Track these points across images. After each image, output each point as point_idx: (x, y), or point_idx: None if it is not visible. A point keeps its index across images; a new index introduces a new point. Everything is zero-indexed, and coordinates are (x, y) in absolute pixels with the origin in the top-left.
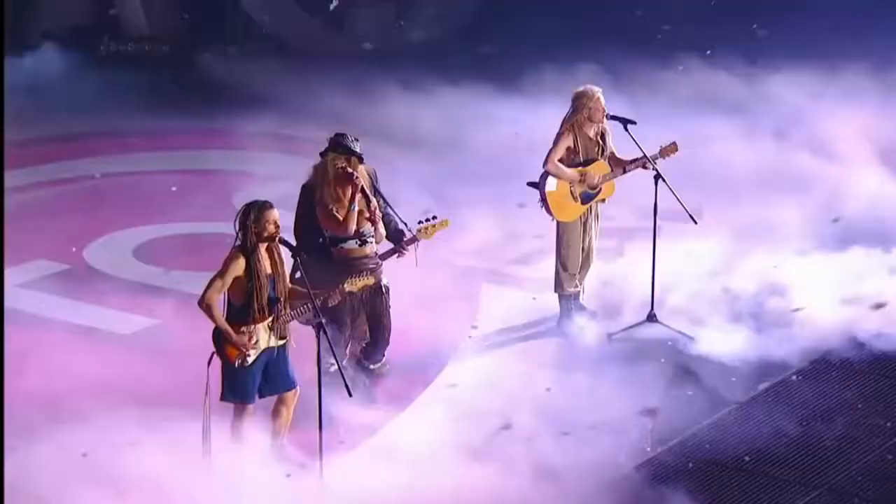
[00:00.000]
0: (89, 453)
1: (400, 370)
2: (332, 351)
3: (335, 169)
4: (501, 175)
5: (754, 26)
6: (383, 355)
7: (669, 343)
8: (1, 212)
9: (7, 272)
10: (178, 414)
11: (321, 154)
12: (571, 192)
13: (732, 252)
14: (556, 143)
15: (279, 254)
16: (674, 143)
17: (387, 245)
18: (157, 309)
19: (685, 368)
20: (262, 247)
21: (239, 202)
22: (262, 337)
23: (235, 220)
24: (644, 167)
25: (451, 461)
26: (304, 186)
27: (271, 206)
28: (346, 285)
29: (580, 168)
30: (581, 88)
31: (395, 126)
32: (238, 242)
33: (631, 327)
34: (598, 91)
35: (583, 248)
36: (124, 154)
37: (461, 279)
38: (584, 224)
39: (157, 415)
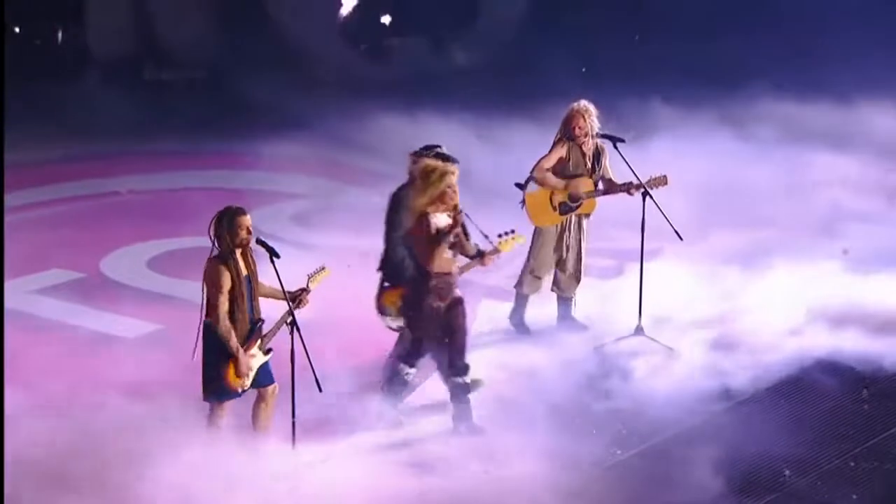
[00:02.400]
0: (89, 434)
1: None
2: (407, 360)
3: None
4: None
5: None
6: (466, 365)
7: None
8: (1, 217)
9: (24, 279)
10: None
11: (434, 171)
12: (551, 200)
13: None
14: (549, 152)
15: (251, 255)
16: (664, 176)
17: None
18: (161, 315)
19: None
20: (238, 253)
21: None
22: (258, 359)
23: (210, 229)
24: (629, 193)
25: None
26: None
27: (244, 213)
28: (308, 283)
29: (567, 180)
30: (572, 104)
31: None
32: (216, 252)
33: (617, 340)
34: (583, 107)
35: (560, 260)
36: (153, 173)
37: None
38: (561, 235)
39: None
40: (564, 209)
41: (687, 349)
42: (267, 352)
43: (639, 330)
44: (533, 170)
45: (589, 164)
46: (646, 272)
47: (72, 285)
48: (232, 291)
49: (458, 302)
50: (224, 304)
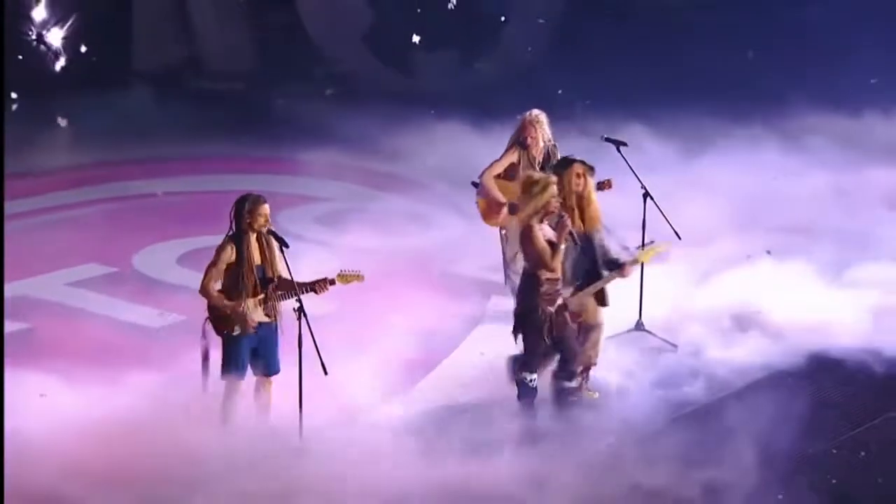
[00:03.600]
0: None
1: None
2: (527, 367)
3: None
4: None
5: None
6: (573, 371)
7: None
8: (1, 219)
9: (62, 272)
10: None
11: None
12: (504, 207)
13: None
14: (501, 157)
15: (269, 244)
16: (608, 180)
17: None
18: (186, 307)
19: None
20: (252, 236)
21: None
22: (252, 310)
23: (231, 211)
24: None
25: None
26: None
27: (264, 201)
28: (336, 277)
29: (516, 183)
30: (525, 114)
31: (451, 164)
32: (231, 232)
33: (618, 335)
34: (534, 117)
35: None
36: (189, 176)
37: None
38: None
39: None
40: (512, 210)
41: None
42: (268, 315)
43: (639, 325)
44: (481, 174)
45: (537, 170)
46: (657, 272)
47: (106, 278)
48: (234, 270)
49: (564, 308)
50: (212, 273)
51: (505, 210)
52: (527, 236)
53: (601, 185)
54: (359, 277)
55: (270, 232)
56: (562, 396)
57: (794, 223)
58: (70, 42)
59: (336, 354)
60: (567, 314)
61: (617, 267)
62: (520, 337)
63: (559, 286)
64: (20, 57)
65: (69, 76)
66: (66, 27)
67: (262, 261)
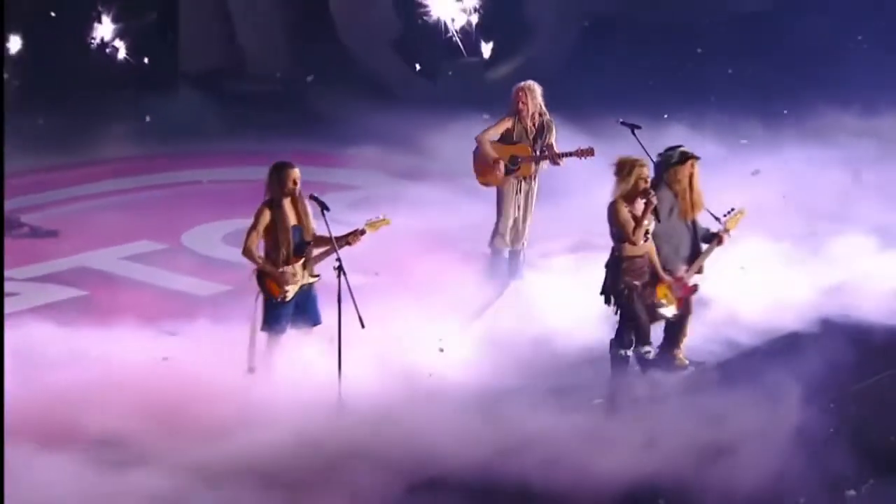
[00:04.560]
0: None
1: None
2: (641, 341)
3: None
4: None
5: None
6: (648, 341)
7: None
8: (1, 213)
9: (117, 248)
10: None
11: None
12: (496, 162)
13: None
14: (497, 123)
15: (303, 206)
16: (591, 148)
17: None
18: (231, 278)
19: None
20: (287, 200)
21: None
22: (299, 273)
23: (266, 179)
24: (554, 163)
25: None
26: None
27: (293, 166)
28: (366, 226)
29: (510, 146)
30: (519, 83)
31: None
32: (266, 197)
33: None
34: (528, 86)
35: (515, 219)
36: (231, 167)
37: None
38: (514, 197)
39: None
40: (506, 170)
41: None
42: (313, 275)
43: None
44: (479, 135)
45: (531, 137)
46: None
47: (157, 254)
48: (272, 232)
49: (648, 284)
50: (253, 237)
51: (500, 168)
52: (611, 211)
53: (581, 153)
54: (386, 222)
55: (313, 197)
56: (644, 363)
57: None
58: (129, 49)
59: (373, 315)
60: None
61: (714, 237)
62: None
63: (645, 262)
64: (88, 61)
65: (127, 78)
66: (124, 36)
67: (298, 222)
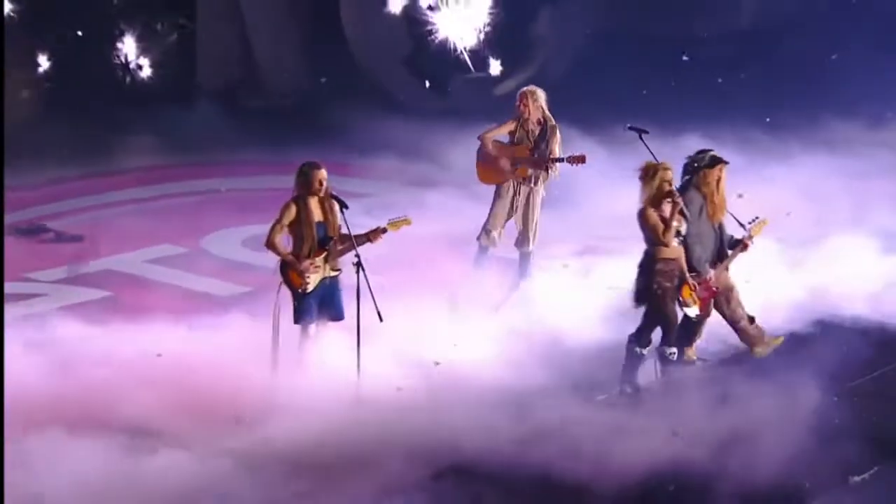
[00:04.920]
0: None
1: None
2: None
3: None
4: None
5: None
6: (672, 342)
7: None
8: (1, 214)
9: (140, 251)
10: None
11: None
12: (498, 162)
13: None
14: (500, 125)
15: (330, 205)
16: (582, 155)
17: None
18: (250, 280)
19: None
20: (313, 199)
21: None
22: (321, 266)
23: (294, 177)
24: (546, 169)
25: None
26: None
27: (319, 167)
28: (388, 225)
29: (512, 147)
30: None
31: None
32: (294, 194)
33: None
34: (530, 90)
35: (511, 218)
36: (248, 177)
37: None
38: (513, 199)
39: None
40: (514, 163)
41: None
42: (334, 269)
43: None
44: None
45: (531, 140)
46: None
47: (178, 257)
48: (297, 227)
49: (677, 285)
50: (276, 230)
51: (505, 164)
52: (640, 216)
53: (573, 159)
54: (407, 221)
55: (331, 195)
56: (664, 362)
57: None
58: (151, 65)
59: (392, 309)
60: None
61: (739, 243)
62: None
63: (676, 265)
64: (113, 77)
65: (150, 93)
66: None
67: (323, 219)
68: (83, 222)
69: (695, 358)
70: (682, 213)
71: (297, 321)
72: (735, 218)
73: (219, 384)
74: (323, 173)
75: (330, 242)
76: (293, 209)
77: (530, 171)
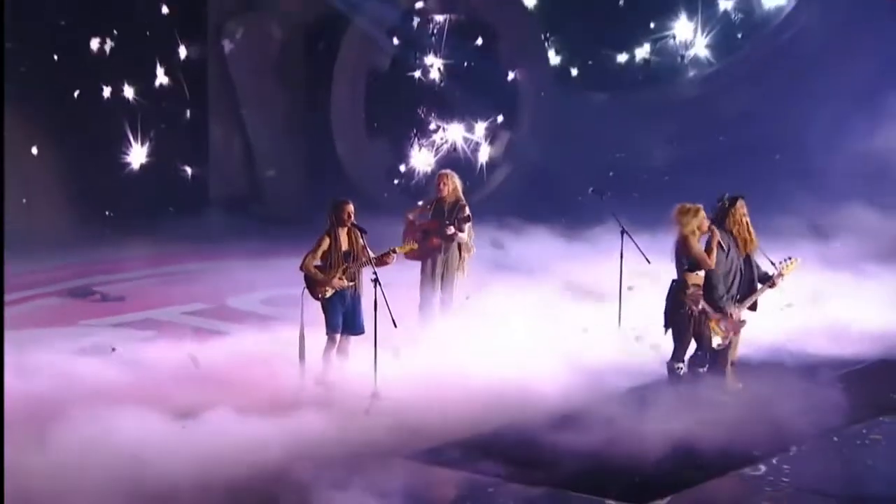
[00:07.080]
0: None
1: None
2: (674, 356)
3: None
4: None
5: None
6: (706, 361)
7: None
8: (1, 214)
9: (178, 307)
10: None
11: (690, 210)
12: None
13: None
14: (425, 203)
15: (356, 234)
16: (467, 216)
17: None
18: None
19: None
20: (343, 231)
21: None
22: (338, 279)
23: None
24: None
25: None
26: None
27: (348, 203)
28: (397, 248)
29: (423, 223)
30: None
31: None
32: (328, 227)
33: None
34: (446, 174)
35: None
36: (259, 260)
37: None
38: (432, 272)
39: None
40: (434, 233)
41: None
42: (350, 280)
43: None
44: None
45: (446, 214)
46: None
47: (207, 310)
48: (328, 254)
49: (704, 311)
50: (312, 256)
51: (417, 237)
52: (685, 244)
53: (462, 220)
54: (413, 246)
55: (353, 224)
56: (672, 375)
57: None
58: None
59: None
60: (719, 315)
61: (768, 279)
62: (670, 331)
63: (701, 291)
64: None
65: (165, 200)
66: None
67: (349, 248)
68: (124, 289)
69: (740, 385)
70: (720, 243)
71: (328, 331)
72: (767, 257)
73: (253, 383)
74: (350, 207)
75: (348, 258)
76: (327, 241)
77: (441, 242)
